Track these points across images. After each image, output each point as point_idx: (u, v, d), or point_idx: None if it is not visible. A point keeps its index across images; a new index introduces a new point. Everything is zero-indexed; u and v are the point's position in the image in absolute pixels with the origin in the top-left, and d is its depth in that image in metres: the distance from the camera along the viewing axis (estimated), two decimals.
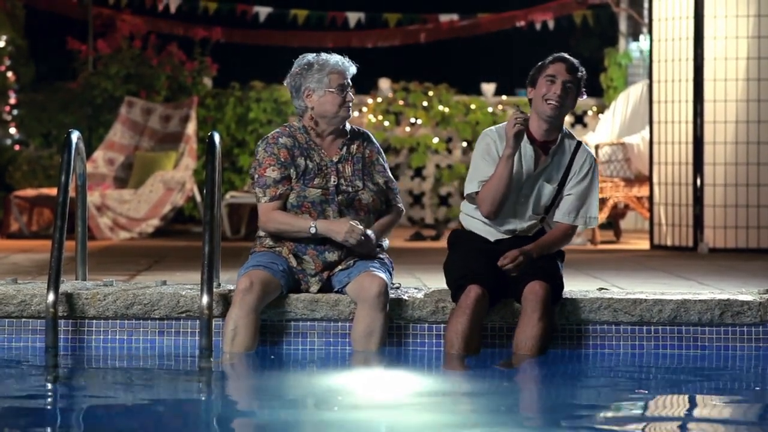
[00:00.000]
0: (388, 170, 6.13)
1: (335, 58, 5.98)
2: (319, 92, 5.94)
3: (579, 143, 6.02)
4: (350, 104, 5.98)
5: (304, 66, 5.97)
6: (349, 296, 5.87)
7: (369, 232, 5.89)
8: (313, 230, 5.84)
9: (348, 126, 6.06)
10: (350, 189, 5.95)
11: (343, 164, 5.98)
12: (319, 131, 6.00)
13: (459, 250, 5.96)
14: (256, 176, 5.93)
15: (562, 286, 5.87)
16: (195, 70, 14.78)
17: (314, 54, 6.01)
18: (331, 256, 5.91)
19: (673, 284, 7.80)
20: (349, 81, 5.99)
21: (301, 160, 5.95)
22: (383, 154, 6.15)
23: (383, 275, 5.80)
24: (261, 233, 6.03)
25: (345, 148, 6.01)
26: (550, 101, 5.85)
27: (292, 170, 5.92)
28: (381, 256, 6.00)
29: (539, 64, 5.96)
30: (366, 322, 5.75)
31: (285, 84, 6.06)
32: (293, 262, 5.92)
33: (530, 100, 5.94)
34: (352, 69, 6.02)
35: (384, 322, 5.77)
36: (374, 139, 6.15)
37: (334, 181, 5.94)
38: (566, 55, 5.94)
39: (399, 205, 6.13)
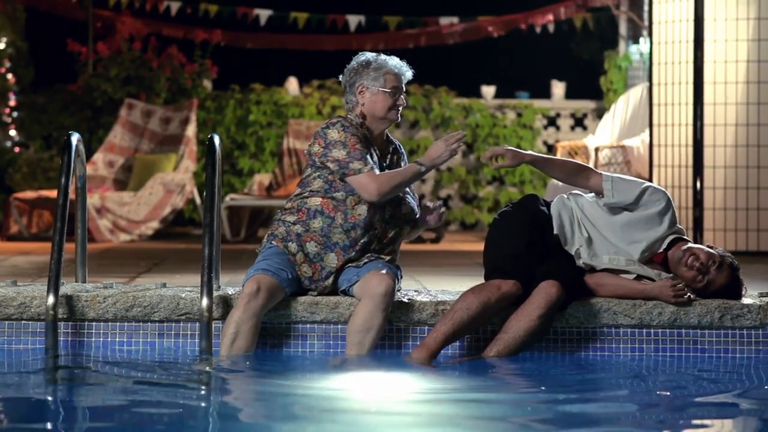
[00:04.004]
0: None
1: (394, 61, 5.99)
2: (373, 90, 5.92)
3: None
4: (400, 108, 5.97)
5: (362, 63, 5.96)
6: (351, 298, 5.86)
7: (437, 203, 6.02)
8: (423, 169, 5.85)
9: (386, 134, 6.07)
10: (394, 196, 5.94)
11: (388, 170, 5.98)
12: (369, 129, 5.98)
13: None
14: (345, 152, 5.81)
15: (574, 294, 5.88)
16: (195, 73, 14.80)
17: (373, 53, 6.01)
18: (355, 255, 5.90)
19: None
20: (403, 86, 5.98)
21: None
22: None
23: (392, 277, 5.79)
24: (289, 218, 5.92)
25: (389, 156, 6.03)
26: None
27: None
28: (389, 259, 5.97)
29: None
30: (365, 318, 5.72)
31: (340, 78, 6.03)
32: (305, 272, 5.90)
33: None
34: (409, 74, 6.01)
35: (383, 322, 5.75)
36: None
37: None
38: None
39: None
